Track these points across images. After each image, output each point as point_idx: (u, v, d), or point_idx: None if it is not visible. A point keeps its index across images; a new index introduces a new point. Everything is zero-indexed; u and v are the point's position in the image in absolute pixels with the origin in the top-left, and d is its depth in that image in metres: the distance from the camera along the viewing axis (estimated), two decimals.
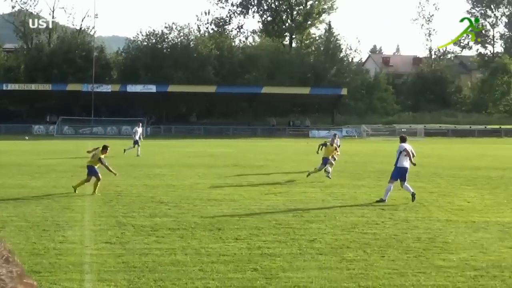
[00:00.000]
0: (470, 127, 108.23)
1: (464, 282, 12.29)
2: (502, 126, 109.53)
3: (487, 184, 29.61)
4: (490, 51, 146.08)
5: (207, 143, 68.08)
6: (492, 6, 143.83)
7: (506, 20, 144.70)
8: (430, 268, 13.33)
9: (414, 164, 23.94)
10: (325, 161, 31.17)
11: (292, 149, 60.23)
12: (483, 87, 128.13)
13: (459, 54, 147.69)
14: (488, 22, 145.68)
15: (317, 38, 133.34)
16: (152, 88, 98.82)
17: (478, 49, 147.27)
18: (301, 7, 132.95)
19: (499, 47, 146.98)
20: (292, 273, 12.81)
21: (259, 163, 41.35)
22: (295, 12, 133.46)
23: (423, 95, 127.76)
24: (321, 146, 32.39)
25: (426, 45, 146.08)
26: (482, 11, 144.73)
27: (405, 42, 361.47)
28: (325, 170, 31.40)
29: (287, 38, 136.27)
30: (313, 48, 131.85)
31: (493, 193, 26.03)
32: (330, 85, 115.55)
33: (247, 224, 18.24)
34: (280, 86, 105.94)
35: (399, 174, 23.53)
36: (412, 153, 23.62)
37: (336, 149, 32.71)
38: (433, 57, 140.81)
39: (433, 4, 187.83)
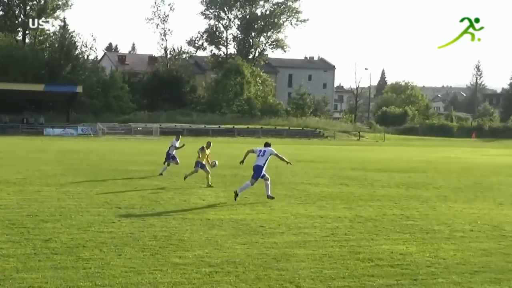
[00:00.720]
0: (205, 126, 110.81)
1: (200, 279, 12.53)
2: (235, 126, 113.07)
3: (221, 182, 30.32)
4: (224, 52, 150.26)
5: None
6: (225, 9, 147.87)
7: (239, 23, 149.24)
8: (166, 265, 13.47)
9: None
10: (198, 164, 29.83)
11: (26, 147, 58.86)
12: (217, 88, 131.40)
13: (194, 55, 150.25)
14: (222, 24, 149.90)
15: (52, 34, 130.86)
16: None
17: (212, 50, 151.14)
18: (35, 2, 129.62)
19: (232, 49, 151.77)
20: (26, 273, 12.48)
21: None
22: (28, 7, 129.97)
23: (159, 94, 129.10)
24: (199, 151, 30.82)
25: (162, 44, 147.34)
26: (216, 13, 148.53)
27: (141, 41, 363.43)
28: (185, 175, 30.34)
29: (20, 34, 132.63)
30: (47, 45, 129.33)
31: (227, 191, 26.67)
32: (65, 82, 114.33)
33: None
34: (13, 82, 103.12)
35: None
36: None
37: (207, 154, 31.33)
38: (168, 56, 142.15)
39: (169, 5, 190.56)
